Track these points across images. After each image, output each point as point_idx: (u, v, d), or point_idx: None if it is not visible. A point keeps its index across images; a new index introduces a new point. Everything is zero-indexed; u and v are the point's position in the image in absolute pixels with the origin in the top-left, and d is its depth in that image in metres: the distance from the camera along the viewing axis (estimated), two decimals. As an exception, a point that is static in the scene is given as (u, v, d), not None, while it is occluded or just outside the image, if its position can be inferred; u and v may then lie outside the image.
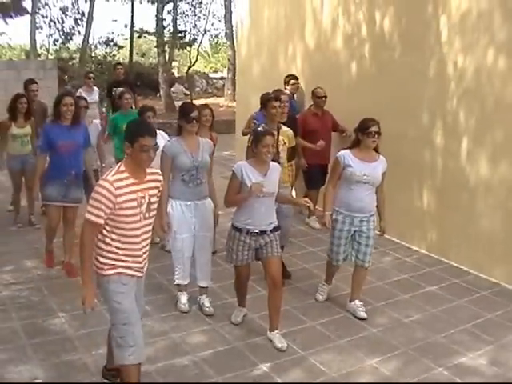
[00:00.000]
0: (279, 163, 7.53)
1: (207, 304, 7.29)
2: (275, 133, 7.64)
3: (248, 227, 6.37)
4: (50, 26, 33.36)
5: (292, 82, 11.32)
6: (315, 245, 9.41)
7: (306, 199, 6.64)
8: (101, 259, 5.05)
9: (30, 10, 27.66)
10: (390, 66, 9.85)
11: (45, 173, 8.18)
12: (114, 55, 33.04)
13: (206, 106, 8.86)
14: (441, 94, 9.01)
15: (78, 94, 12.80)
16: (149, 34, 30.25)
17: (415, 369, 6.09)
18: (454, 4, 8.69)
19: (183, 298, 7.34)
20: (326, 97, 10.46)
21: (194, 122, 7.01)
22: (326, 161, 10.04)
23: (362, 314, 7.15)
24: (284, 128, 8.04)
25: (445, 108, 8.94)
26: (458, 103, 8.73)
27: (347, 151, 7.14)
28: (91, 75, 13.94)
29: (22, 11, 24.69)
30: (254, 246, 6.44)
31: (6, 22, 23.83)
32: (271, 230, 6.45)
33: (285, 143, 7.94)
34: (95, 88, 13.78)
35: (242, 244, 6.43)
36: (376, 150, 7.11)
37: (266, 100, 8.05)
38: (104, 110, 16.45)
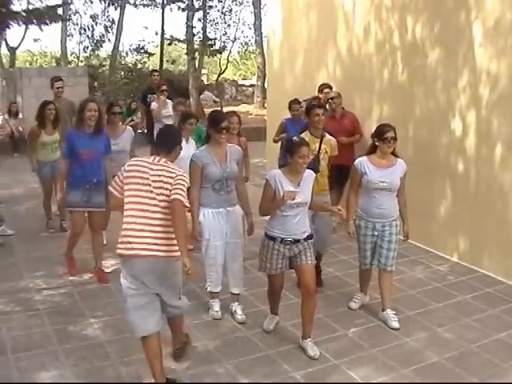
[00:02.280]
0: (319, 170, 7.53)
1: (239, 311, 7.26)
2: (318, 140, 7.68)
3: (282, 236, 6.35)
4: (80, 34, 33.79)
5: (326, 90, 11.20)
6: (346, 252, 9.34)
7: (339, 207, 6.63)
8: (173, 242, 5.32)
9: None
10: (422, 73, 9.77)
11: (67, 180, 8.22)
12: (145, 62, 33.24)
13: (233, 112, 8.95)
14: (474, 100, 8.91)
15: (152, 106, 12.70)
16: (179, 41, 30.40)
17: (449, 379, 6.01)
18: (487, 10, 8.59)
19: (216, 306, 7.33)
20: (334, 97, 10.54)
21: (224, 131, 7.03)
22: (346, 161, 10.00)
23: (395, 324, 7.09)
24: (328, 137, 8.02)
25: (478, 115, 8.83)
26: (492, 110, 8.62)
27: (364, 158, 7.16)
28: (164, 87, 13.06)
29: (56, 18, 24.84)
30: (288, 255, 6.42)
31: (40, 29, 24.00)
32: (305, 239, 6.42)
33: (326, 152, 7.91)
34: (169, 101, 12.91)
35: (275, 253, 6.41)
36: (394, 154, 7.12)
37: (309, 108, 8.04)
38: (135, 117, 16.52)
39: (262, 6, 29.83)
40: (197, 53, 28.63)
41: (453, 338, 6.86)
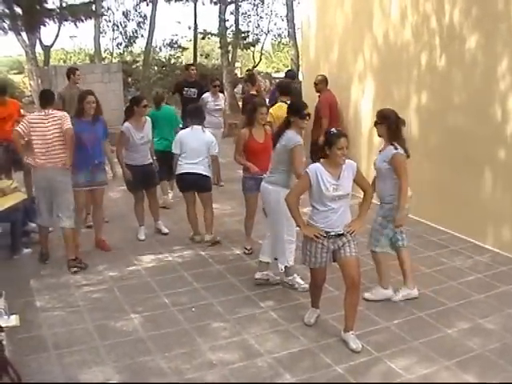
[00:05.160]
0: None
1: None
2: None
3: (326, 230, 6.30)
4: (113, 30, 33.92)
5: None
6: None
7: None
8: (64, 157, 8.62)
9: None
10: (460, 59, 9.61)
11: (73, 163, 8.76)
12: (178, 57, 33.32)
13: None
14: (514, 88, 8.77)
15: (204, 99, 12.97)
16: (212, 35, 30.39)
17: (492, 371, 5.92)
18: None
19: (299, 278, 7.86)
20: (317, 83, 12.55)
21: (308, 117, 7.69)
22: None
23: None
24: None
25: (519, 103, 8.70)
26: (533, 98, 8.49)
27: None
28: (217, 83, 13.45)
29: (91, 14, 25.05)
30: (332, 248, 6.37)
31: (76, 26, 24.19)
32: (348, 231, 6.39)
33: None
34: (221, 95, 13.48)
35: (320, 247, 6.35)
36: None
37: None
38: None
39: (293, -3, 29.69)
40: (230, 46, 28.57)
41: (496, 330, 6.76)
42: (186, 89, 13.76)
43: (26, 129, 8.53)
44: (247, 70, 11.98)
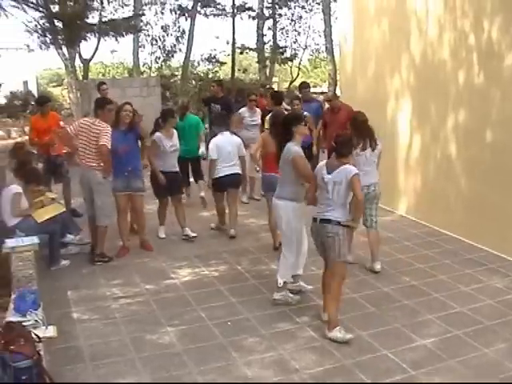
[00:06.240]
0: None
1: None
2: None
3: None
4: (152, 45, 34.18)
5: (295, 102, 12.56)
6: (422, 261, 9.21)
7: None
8: (98, 162, 9.12)
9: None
10: (498, 76, 9.53)
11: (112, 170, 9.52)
12: (216, 71, 33.48)
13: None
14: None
15: (239, 114, 13.12)
16: (250, 49, 30.55)
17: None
18: None
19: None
20: (331, 99, 12.90)
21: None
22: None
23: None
24: None
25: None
26: None
27: None
28: (253, 97, 13.53)
29: (132, 29, 25.39)
30: None
31: (117, 40, 24.51)
32: None
33: None
34: (257, 109, 13.48)
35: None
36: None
37: None
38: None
39: (331, 13, 29.75)
40: (268, 61, 28.70)
41: (536, 349, 6.68)
42: (212, 104, 14.12)
43: (74, 130, 9.24)
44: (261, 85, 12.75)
